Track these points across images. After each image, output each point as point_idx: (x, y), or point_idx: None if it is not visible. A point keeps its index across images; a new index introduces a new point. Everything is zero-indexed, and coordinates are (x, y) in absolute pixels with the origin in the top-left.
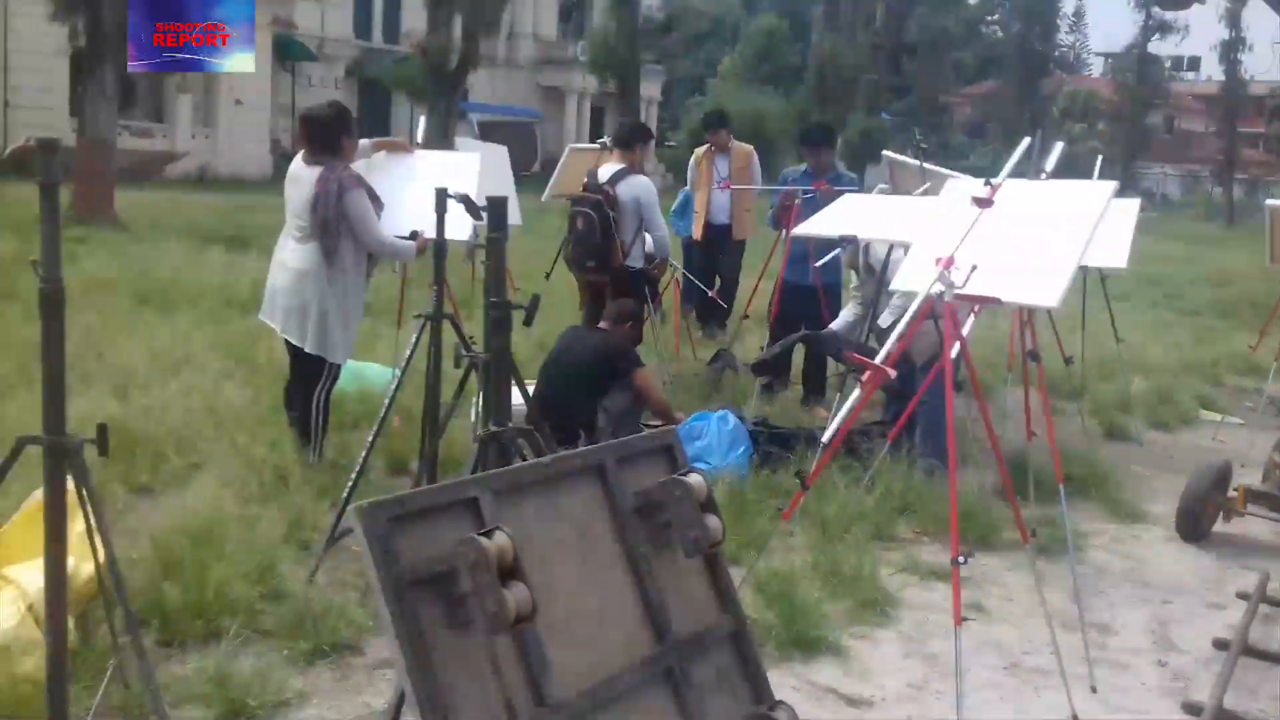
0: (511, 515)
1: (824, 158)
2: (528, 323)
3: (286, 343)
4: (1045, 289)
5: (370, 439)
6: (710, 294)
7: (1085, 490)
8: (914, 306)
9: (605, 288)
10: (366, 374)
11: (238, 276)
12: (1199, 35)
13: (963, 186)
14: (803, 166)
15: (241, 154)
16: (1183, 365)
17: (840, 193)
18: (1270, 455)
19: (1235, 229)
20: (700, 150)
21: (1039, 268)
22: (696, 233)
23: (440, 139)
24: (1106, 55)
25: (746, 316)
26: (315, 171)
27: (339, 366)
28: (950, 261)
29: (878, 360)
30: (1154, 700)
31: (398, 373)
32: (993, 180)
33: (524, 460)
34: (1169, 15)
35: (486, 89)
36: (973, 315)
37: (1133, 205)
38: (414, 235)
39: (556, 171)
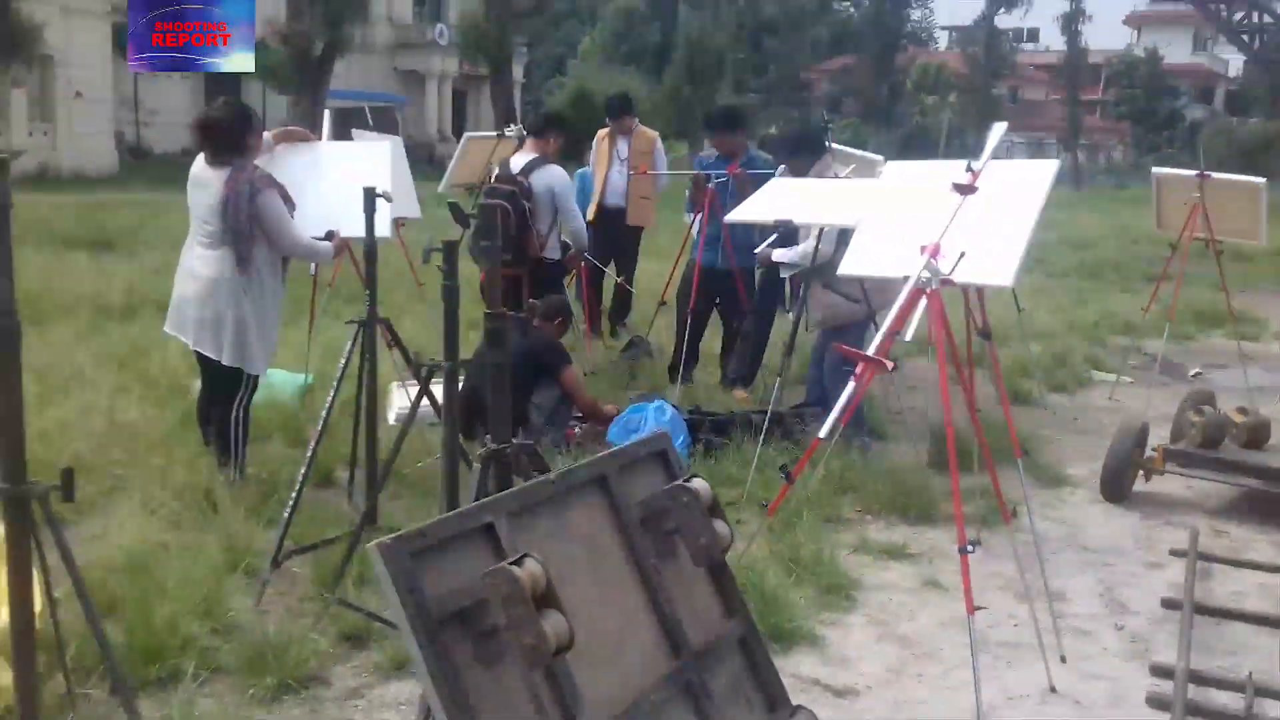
0: (526, 538)
1: (737, 141)
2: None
3: (198, 356)
4: (999, 269)
5: (309, 453)
6: (619, 281)
7: (1006, 458)
8: (904, 293)
9: (520, 280)
10: (274, 381)
11: (109, 282)
12: (1041, 7)
13: (900, 168)
14: (715, 151)
15: (84, 149)
16: (1068, 327)
17: (757, 175)
18: (1182, 413)
19: (1083, 192)
20: (602, 131)
21: (990, 248)
22: (590, 214)
23: (309, 128)
24: (950, 29)
25: (663, 302)
26: (221, 174)
27: (257, 378)
28: (937, 249)
29: (870, 351)
30: (1121, 665)
31: (334, 382)
32: (974, 166)
33: (525, 478)
34: None
35: (342, 75)
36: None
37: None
38: (330, 235)
39: (454, 160)
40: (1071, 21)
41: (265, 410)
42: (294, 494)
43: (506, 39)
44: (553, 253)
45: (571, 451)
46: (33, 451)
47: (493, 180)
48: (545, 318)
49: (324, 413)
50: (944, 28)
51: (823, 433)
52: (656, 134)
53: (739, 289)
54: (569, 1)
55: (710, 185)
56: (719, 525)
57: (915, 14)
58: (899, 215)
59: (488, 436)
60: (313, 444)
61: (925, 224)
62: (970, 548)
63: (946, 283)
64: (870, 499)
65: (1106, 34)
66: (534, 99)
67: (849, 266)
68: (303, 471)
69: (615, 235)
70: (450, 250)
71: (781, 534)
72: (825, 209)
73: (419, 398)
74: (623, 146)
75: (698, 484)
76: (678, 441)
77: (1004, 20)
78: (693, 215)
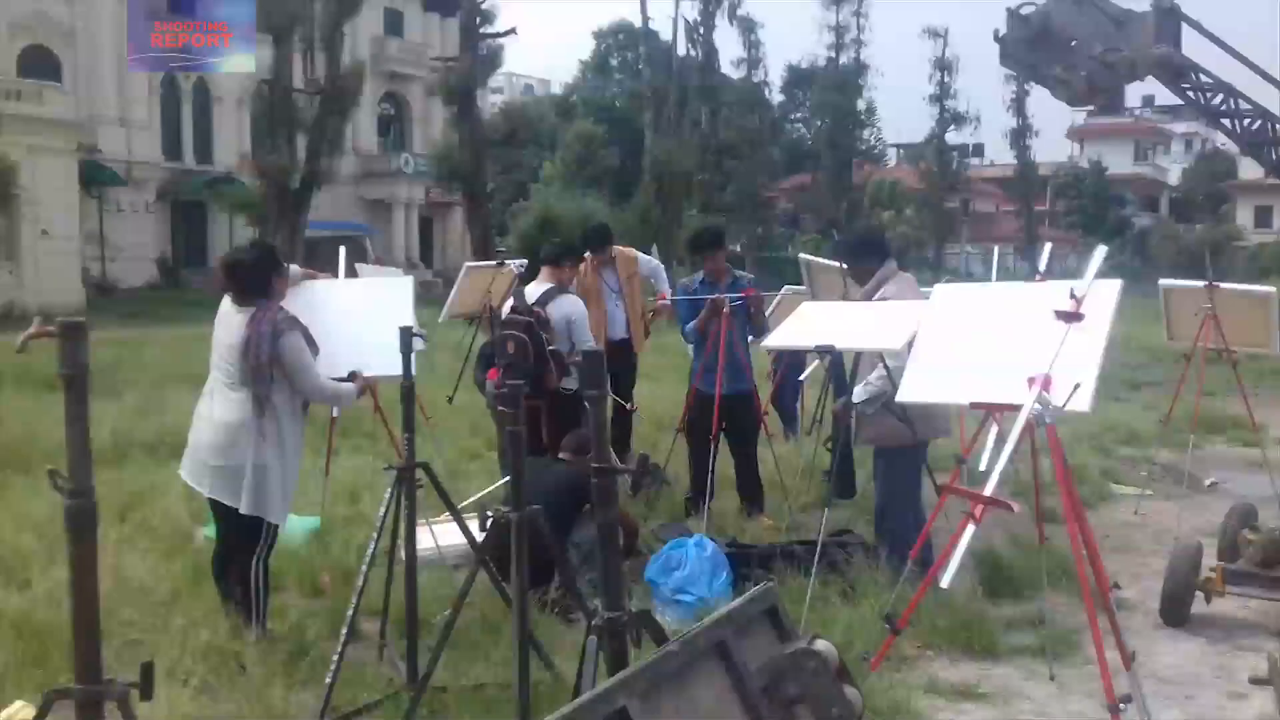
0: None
1: (719, 261)
2: (635, 490)
3: (215, 505)
4: (1076, 394)
5: (350, 611)
6: (629, 407)
7: (1054, 580)
8: (1018, 426)
9: (539, 413)
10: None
11: (93, 426)
12: (986, 124)
13: (950, 291)
14: (699, 275)
15: (51, 286)
16: (1073, 439)
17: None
18: (1229, 531)
19: None
20: (583, 265)
21: (1061, 372)
22: None
23: (290, 258)
24: (898, 146)
25: (681, 430)
26: (245, 314)
27: (277, 527)
28: (1048, 381)
29: (987, 492)
30: None
31: (374, 534)
32: (1076, 292)
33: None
34: (962, 108)
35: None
36: (995, 424)
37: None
38: (352, 376)
39: (454, 291)
40: (1020, 137)
41: (276, 557)
42: (336, 658)
43: (481, 166)
44: (570, 384)
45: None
46: (39, 615)
47: (510, 310)
48: (576, 452)
49: (364, 567)
50: (893, 145)
51: (945, 581)
52: (634, 251)
53: (753, 413)
54: (529, 128)
55: (726, 310)
56: (850, 692)
57: (865, 132)
58: (956, 339)
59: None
60: (355, 600)
61: (986, 348)
62: (1123, 707)
63: (992, 406)
64: (930, 633)
65: (1050, 147)
66: (496, 222)
67: (907, 392)
68: (344, 633)
69: (622, 367)
70: (514, 392)
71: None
72: (868, 333)
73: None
74: (610, 277)
75: (823, 646)
76: (721, 579)
77: (951, 136)
78: (701, 341)
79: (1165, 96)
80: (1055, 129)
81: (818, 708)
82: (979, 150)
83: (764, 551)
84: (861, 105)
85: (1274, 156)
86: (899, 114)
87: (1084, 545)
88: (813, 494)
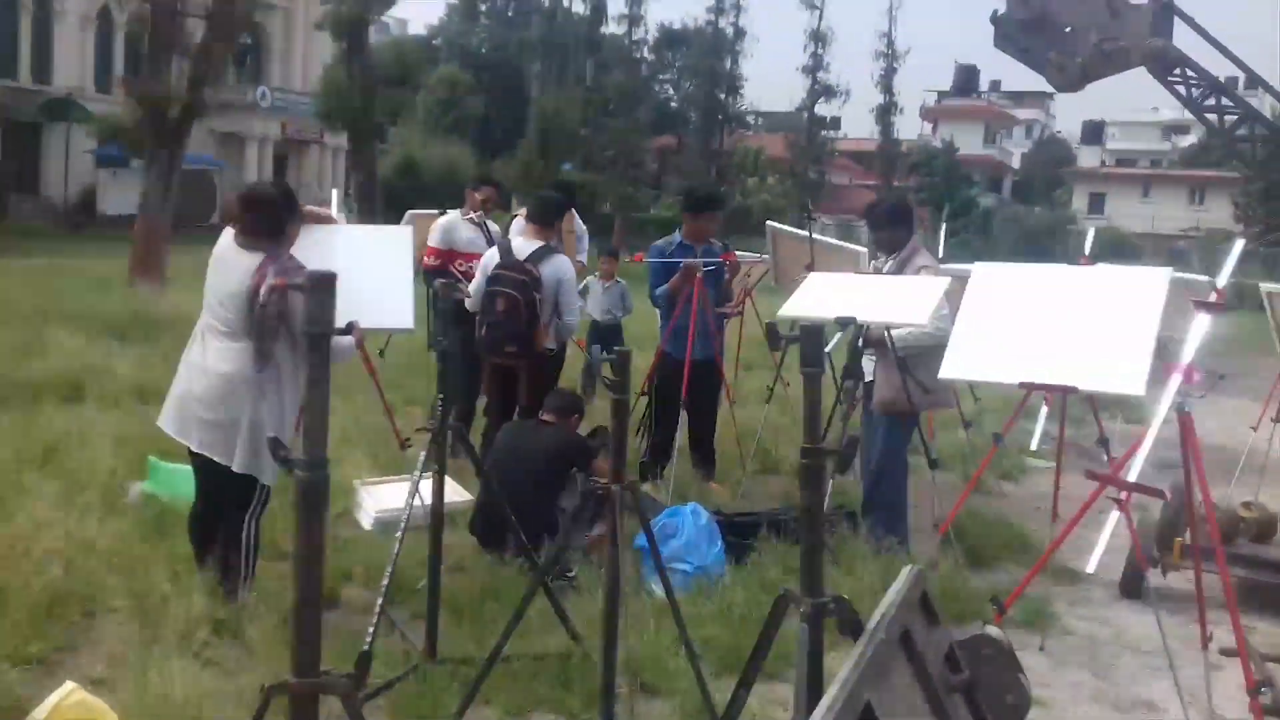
0: None
1: (713, 225)
2: (842, 469)
3: (200, 462)
4: (1130, 377)
5: (385, 581)
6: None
7: (1014, 554)
8: (1157, 422)
9: (518, 373)
10: None
11: None
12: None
13: (991, 270)
14: (676, 237)
15: None
16: (976, 412)
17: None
18: (1176, 507)
19: None
20: (477, 198)
21: (1113, 355)
22: None
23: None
24: (756, 113)
25: (644, 393)
26: (251, 259)
27: (270, 488)
28: (1191, 372)
29: (1132, 478)
30: None
31: (409, 502)
32: (1218, 285)
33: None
34: (833, 79)
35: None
36: (1045, 404)
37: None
38: (350, 328)
39: None
40: (886, 113)
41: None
42: (371, 631)
43: (371, 108)
44: (551, 345)
45: (593, 559)
46: None
47: (497, 265)
48: (560, 413)
49: (399, 534)
50: (750, 112)
51: (1090, 567)
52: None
53: (718, 379)
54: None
55: (699, 274)
56: (1023, 679)
57: (735, 98)
58: (1001, 319)
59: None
60: (389, 570)
61: (1034, 329)
62: (1263, 690)
63: (1046, 387)
64: None
65: (904, 125)
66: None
67: (951, 369)
68: (379, 604)
69: None
70: (624, 362)
71: None
72: (892, 307)
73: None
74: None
75: (995, 633)
76: (716, 548)
77: (820, 108)
78: (669, 306)
79: (1011, 83)
80: (910, 107)
81: (992, 694)
82: (835, 124)
83: (750, 519)
84: (737, 73)
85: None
86: (770, 83)
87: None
88: (758, 461)
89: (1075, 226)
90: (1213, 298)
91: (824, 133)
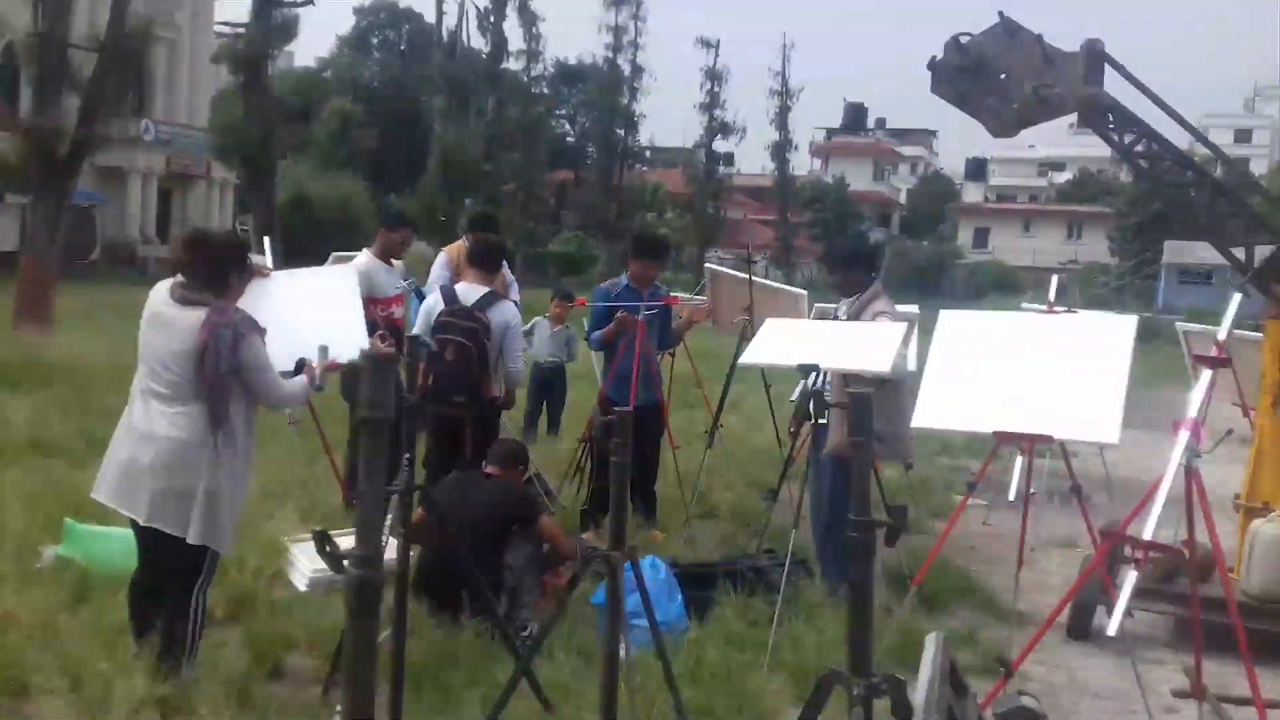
0: None
1: (658, 270)
2: (890, 542)
3: (144, 533)
4: (1103, 426)
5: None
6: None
7: (956, 596)
8: (1170, 471)
9: (462, 424)
10: None
11: None
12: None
13: (956, 317)
14: (622, 279)
15: None
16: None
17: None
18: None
19: None
20: (454, 247)
21: (1086, 403)
22: None
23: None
24: (650, 148)
25: (583, 439)
26: (193, 314)
27: (219, 558)
28: (1198, 427)
29: (1147, 536)
30: None
31: None
32: (1219, 338)
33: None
34: (729, 116)
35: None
36: (1020, 456)
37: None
38: (300, 367)
39: None
40: (781, 150)
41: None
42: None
43: (271, 143)
44: (496, 393)
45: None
46: None
47: (444, 312)
48: (504, 465)
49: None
50: (649, 148)
51: (1111, 630)
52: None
53: (660, 423)
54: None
55: (640, 318)
56: None
57: (633, 135)
58: (971, 367)
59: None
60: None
61: (1006, 377)
62: None
63: (1020, 437)
64: (878, 654)
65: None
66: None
67: (923, 418)
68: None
69: None
70: (623, 423)
71: None
72: (853, 354)
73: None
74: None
75: (1032, 703)
76: (676, 601)
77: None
78: (609, 349)
79: (902, 120)
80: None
81: None
82: (729, 160)
83: (706, 569)
84: (635, 109)
85: (1189, 203)
86: (667, 119)
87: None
88: (699, 505)
89: (962, 260)
90: (1213, 352)
91: (720, 168)
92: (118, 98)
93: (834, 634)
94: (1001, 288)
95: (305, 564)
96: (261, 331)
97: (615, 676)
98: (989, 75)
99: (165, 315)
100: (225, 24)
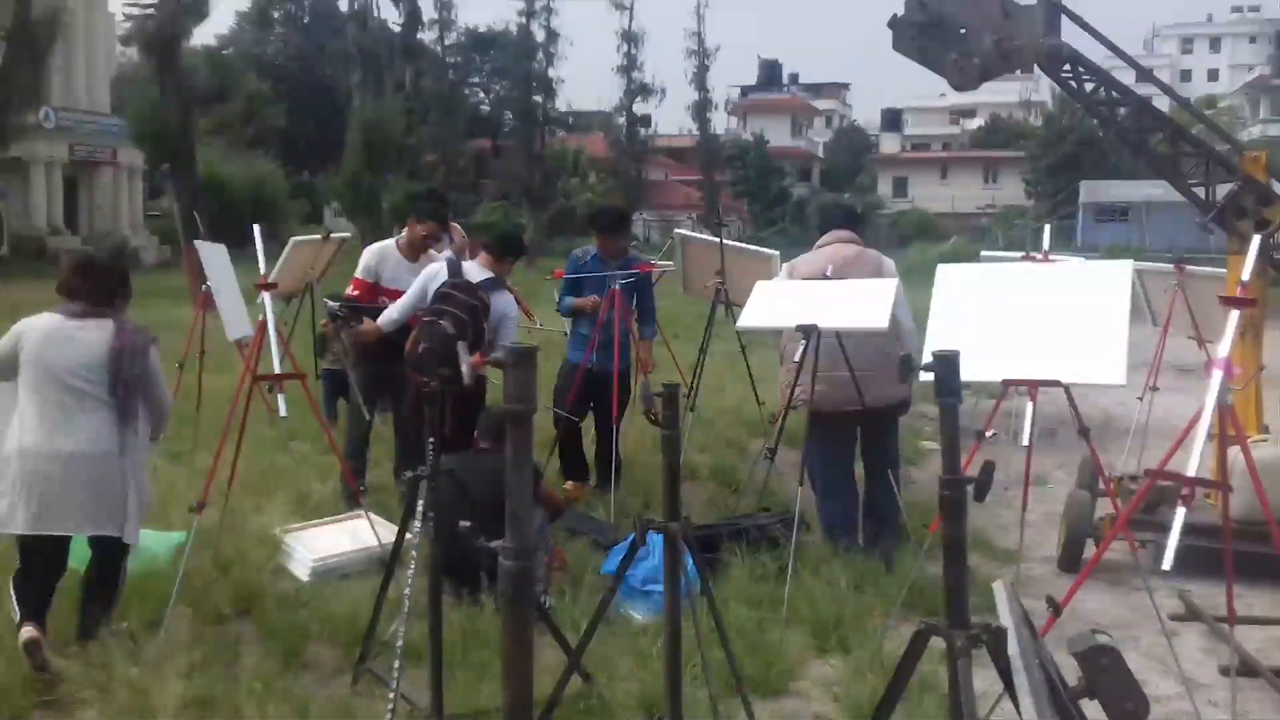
0: None
1: (622, 243)
2: (979, 497)
3: (51, 542)
4: (1110, 368)
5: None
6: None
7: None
8: (1208, 409)
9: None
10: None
11: None
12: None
13: (953, 271)
14: (591, 249)
15: None
16: None
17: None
18: (1091, 481)
19: None
20: (419, 231)
21: (1091, 347)
22: None
23: None
24: (570, 113)
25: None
26: (102, 324)
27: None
28: (1229, 366)
29: (1190, 473)
30: None
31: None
32: (1243, 278)
33: None
34: (647, 78)
35: None
36: (1030, 402)
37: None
38: None
39: (279, 266)
40: (702, 110)
41: (142, 579)
42: (392, 695)
43: (189, 127)
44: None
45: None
46: None
47: (448, 284)
48: (495, 437)
49: (407, 590)
50: (569, 113)
51: (1166, 564)
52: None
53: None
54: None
55: (613, 288)
56: (1138, 686)
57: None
58: (974, 319)
59: None
60: (401, 626)
61: (1011, 326)
62: None
63: (1026, 382)
64: (883, 601)
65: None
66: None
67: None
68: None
69: None
70: (672, 397)
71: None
72: (849, 312)
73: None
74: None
75: (1106, 640)
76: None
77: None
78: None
79: (815, 75)
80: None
81: (1111, 702)
82: (646, 121)
83: (710, 531)
84: (552, 74)
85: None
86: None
87: None
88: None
89: (884, 211)
90: (1240, 292)
91: (641, 131)
92: (30, 88)
93: (843, 586)
94: (924, 234)
95: (304, 554)
96: (157, 344)
97: (679, 651)
98: (950, 31)
99: (64, 331)
100: (134, 4)
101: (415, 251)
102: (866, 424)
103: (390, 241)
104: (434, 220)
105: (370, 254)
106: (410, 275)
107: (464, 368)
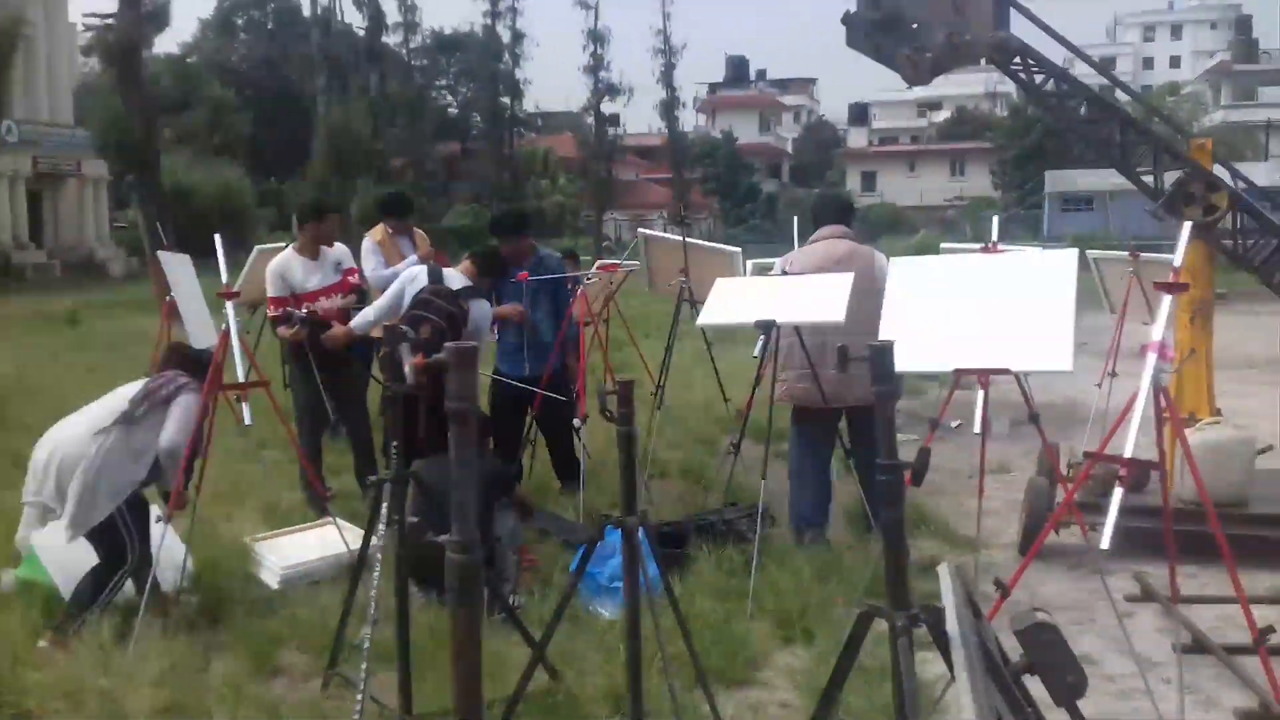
0: None
1: (522, 245)
2: (916, 482)
3: None
4: (1057, 354)
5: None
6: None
7: (911, 526)
8: (1143, 391)
9: (416, 404)
10: None
11: None
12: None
13: (908, 263)
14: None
15: None
16: None
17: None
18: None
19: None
20: (379, 230)
21: (1038, 335)
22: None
23: None
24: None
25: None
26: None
27: None
28: (1164, 348)
29: (1126, 454)
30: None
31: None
32: (1174, 264)
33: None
34: (615, 78)
35: None
36: (980, 389)
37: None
38: None
39: (244, 275)
40: (670, 108)
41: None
42: (360, 698)
43: (153, 137)
44: None
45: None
46: None
47: (428, 290)
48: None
49: (373, 594)
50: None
51: (1104, 543)
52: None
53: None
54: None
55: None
56: (1077, 660)
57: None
58: (927, 309)
59: None
60: (369, 630)
61: (962, 316)
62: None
63: (975, 372)
64: (845, 589)
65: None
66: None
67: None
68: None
69: None
70: (626, 392)
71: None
72: (807, 306)
73: None
74: (407, 247)
75: (1044, 617)
76: (651, 565)
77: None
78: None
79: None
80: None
81: (1051, 676)
82: (615, 120)
83: (673, 528)
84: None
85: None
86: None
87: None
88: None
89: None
90: (1171, 278)
91: (610, 130)
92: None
93: (807, 577)
94: (894, 228)
95: (274, 561)
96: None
97: (639, 643)
98: (902, 26)
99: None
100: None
101: (314, 250)
102: (853, 419)
103: (286, 251)
104: (334, 213)
105: (274, 273)
106: (318, 273)
107: (405, 368)
